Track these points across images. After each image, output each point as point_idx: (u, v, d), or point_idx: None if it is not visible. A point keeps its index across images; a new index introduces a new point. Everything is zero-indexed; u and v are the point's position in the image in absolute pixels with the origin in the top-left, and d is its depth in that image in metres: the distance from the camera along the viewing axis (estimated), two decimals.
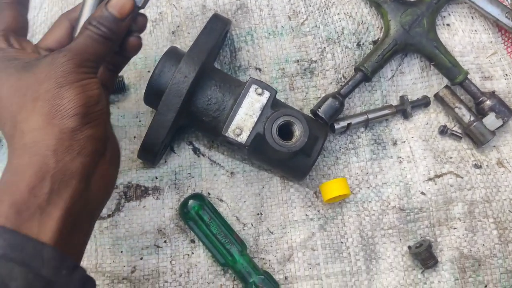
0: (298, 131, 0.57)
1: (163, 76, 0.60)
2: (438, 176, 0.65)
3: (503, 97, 0.67)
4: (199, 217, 0.62)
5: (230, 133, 0.57)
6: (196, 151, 0.67)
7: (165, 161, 0.66)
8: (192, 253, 0.63)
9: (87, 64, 0.46)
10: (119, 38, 0.49)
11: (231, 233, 0.62)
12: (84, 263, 0.62)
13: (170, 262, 0.63)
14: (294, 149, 0.56)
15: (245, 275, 0.60)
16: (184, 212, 0.62)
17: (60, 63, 0.44)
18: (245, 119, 0.57)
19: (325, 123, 0.63)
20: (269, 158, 0.61)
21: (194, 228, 0.62)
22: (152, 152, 0.59)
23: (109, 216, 0.64)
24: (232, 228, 0.63)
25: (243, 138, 0.57)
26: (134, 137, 0.67)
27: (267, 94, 0.58)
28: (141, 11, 0.51)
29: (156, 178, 0.65)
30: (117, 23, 0.48)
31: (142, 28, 0.53)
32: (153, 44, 0.70)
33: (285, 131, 0.58)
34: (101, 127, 0.47)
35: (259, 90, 0.58)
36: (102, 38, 0.47)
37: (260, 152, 0.60)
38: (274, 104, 0.59)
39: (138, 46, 0.53)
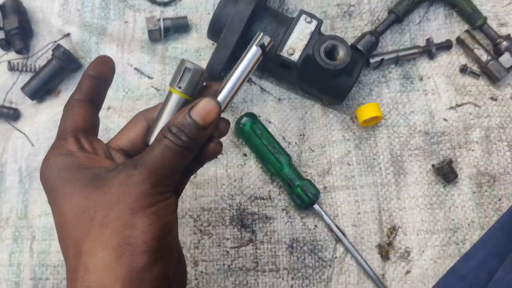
0: (341, 52, 0.67)
1: (226, 9, 0.70)
2: (458, 106, 0.75)
3: None
4: (253, 131, 0.72)
5: (284, 52, 0.68)
6: (248, 80, 0.77)
7: None
8: (245, 163, 0.74)
9: (164, 182, 0.41)
10: (199, 146, 0.44)
11: (279, 145, 0.72)
12: None
13: (226, 170, 0.73)
14: (338, 67, 0.66)
15: (291, 180, 0.70)
16: (239, 127, 0.72)
17: (135, 183, 0.39)
18: (296, 42, 0.68)
19: (363, 55, 0.74)
20: (316, 79, 0.71)
21: (248, 141, 0.72)
22: (217, 70, 0.70)
23: None
24: (279, 143, 0.73)
25: (295, 57, 0.67)
26: None
27: (314, 23, 0.69)
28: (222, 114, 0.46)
29: None
30: (200, 131, 0.43)
31: (224, 132, 0.48)
32: None
33: (330, 55, 0.68)
34: (172, 261, 0.42)
35: (308, 19, 0.69)
36: (182, 149, 0.42)
37: (308, 73, 0.70)
38: (320, 33, 0.69)
39: (217, 153, 0.47)
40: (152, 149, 0.42)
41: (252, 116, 0.73)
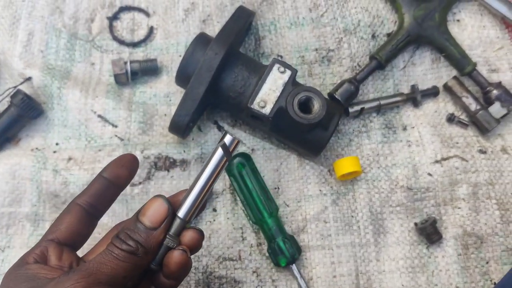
0: (316, 105, 0.62)
1: (194, 56, 0.66)
2: (444, 159, 0.70)
3: (509, 88, 0.71)
4: (241, 174, 0.67)
5: (255, 105, 0.63)
6: (220, 128, 0.73)
7: (192, 139, 0.72)
8: (214, 219, 0.69)
9: None
10: (151, 251, 0.43)
11: (268, 193, 0.68)
12: None
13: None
14: (313, 121, 0.61)
15: (274, 233, 0.65)
16: (229, 167, 0.67)
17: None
18: (268, 93, 0.63)
19: (341, 105, 0.69)
20: (290, 132, 0.66)
21: (235, 183, 0.68)
22: (184, 122, 0.65)
23: (140, 183, 0.70)
24: (269, 191, 0.68)
25: (267, 110, 0.63)
26: (165, 114, 0.73)
27: (288, 73, 0.64)
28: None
29: (184, 151, 0.71)
30: (148, 233, 0.43)
31: (193, 245, 0.45)
32: (185, 31, 0.77)
33: (305, 108, 0.63)
34: None
35: (282, 69, 0.64)
36: (127, 254, 0.42)
37: (281, 126, 0.65)
38: (295, 83, 0.65)
39: (182, 264, 0.44)
40: (98, 255, 0.42)
41: (244, 157, 0.68)
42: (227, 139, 0.45)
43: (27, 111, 0.69)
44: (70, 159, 0.70)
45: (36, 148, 0.71)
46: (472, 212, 0.68)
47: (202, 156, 0.71)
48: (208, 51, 0.63)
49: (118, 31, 0.77)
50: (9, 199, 0.68)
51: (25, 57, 0.74)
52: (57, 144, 0.71)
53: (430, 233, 0.66)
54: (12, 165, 0.69)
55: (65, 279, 0.40)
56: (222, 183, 0.70)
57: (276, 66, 0.64)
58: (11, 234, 0.69)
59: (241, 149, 0.71)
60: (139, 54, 0.76)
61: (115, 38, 0.77)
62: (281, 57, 0.74)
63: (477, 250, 0.67)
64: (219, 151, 0.45)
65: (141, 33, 0.77)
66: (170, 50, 0.76)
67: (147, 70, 0.74)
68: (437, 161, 0.69)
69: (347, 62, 0.73)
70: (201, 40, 0.67)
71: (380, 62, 0.70)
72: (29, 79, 0.73)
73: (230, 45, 0.64)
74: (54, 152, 0.71)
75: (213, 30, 0.76)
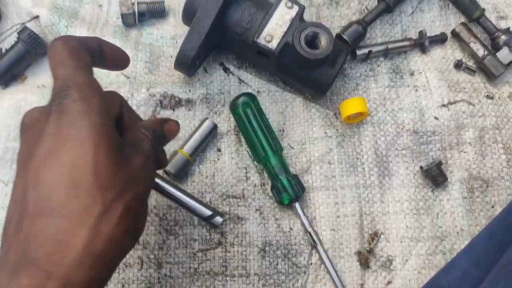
0: (323, 41, 0.62)
1: None
2: (451, 103, 0.69)
3: None
4: (246, 112, 0.66)
5: (261, 39, 0.62)
6: (226, 70, 0.72)
7: (198, 79, 0.72)
8: (218, 159, 0.68)
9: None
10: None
11: (273, 133, 0.67)
12: None
13: (198, 166, 0.68)
14: (319, 56, 0.61)
15: (278, 171, 0.65)
16: (234, 106, 0.67)
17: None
18: (275, 28, 0.63)
19: (348, 45, 0.68)
20: (296, 70, 0.65)
21: (239, 122, 0.67)
22: (189, 56, 0.64)
23: None
24: (273, 131, 0.68)
25: (273, 44, 0.62)
26: (171, 56, 0.73)
27: (296, 8, 0.63)
28: None
29: (190, 91, 0.71)
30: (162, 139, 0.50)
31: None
32: None
33: (312, 45, 0.63)
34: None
35: (289, 4, 0.63)
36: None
37: (288, 63, 0.65)
38: (302, 20, 0.64)
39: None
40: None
41: (250, 96, 0.68)
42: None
43: (34, 47, 0.69)
44: None
45: (42, 85, 0.71)
46: (478, 156, 0.67)
47: (208, 96, 0.71)
48: None
49: None
50: (13, 134, 0.68)
51: None
52: None
53: (435, 175, 0.65)
54: (17, 100, 0.69)
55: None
56: (227, 124, 0.70)
57: (284, 1, 0.64)
58: (15, 169, 0.68)
59: (246, 90, 0.71)
60: None
61: None
62: None
63: (482, 194, 0.66)
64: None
65: None
66: None
67: (154, 12, 0.73)
68: (443, 105, 0.69)
69: (355, 4, 0.73)
70: None
71: (388, 4, 0.70)
72: (36, 17, 0.72)
73: None
74: None
75: None
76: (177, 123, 0.52)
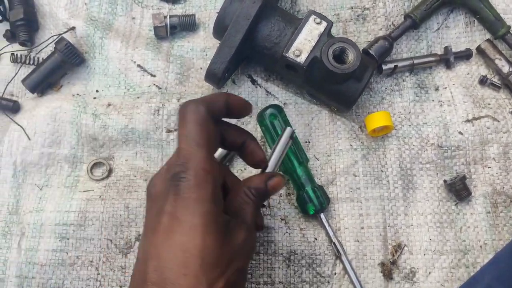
0: (351, 56, 0.63)
1: (232, 6, 0.67)
2: (476, 119, 0.70)
3: None
4: (273, 124, 0.68)
5: (290, 54, 0.64)
6: (254, 82, 0.74)
7: (227, 91, 0.74)
8: (245, 169, 0.70)
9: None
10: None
11: (299, 144, 0.69)
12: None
13: None
14: (347, 71, 0.63)
15: (303, 182, 0.66)
16: (261, 118, 0.69)
17: None
18: (304, 43, 0.65)
19: (375, 60, 0.70)
20: (323, 84, 0.67)
21: (266, 133, 0.69)
22: (220, 69, 0.67)
23: (175, 130, 0.71)
24: (299, 142, 0.70)
25: (302, 58, 0.64)
26: (201, 68, 0.75)
27: (324, 24, 0.65)
28: None
29: None
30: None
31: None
32: None
33: (339, 60, 0.64)
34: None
35: (317, 20, 0.65)
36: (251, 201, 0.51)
37: (315, 77, 0.67)
38: (330, 35, 0.66)
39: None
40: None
41: (277, 108, 0.69)
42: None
43: (70, 57, 0.72)
44: (109, 105, 0.72)
45: (77, 94, 0.74)
46: (502, 171, 0.68)
47: None
48: (246, 0, 0.65)
49: None
50: (49, 140, 0.71)
51: (70, 8, 0.77)
52: (97, 91, 0.74)
53: (459, 189, 0.66)
54: (53, 108, 0.72)
55: None
56: (254, 135, 0.71)
57: (312, 17, 0.65)
58: (49, 174, 0.71)
59: (273, 102, 0.73)
60: (178, 10, 0.78)
61: None
62: None
63: (506, 208, 0.67)
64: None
65: None
66: (208, 7, 0.78)
67: (185, 25, 0.76)
68: (468, 121, 0.70)
69: (381, 20, 0.74)
70: None
71: (414, 20, 0.71)
72: (73, 28, 0.76)
73: None
74: (94, 98, 0.73)
75: None
76: (283, 177, 0.54)
